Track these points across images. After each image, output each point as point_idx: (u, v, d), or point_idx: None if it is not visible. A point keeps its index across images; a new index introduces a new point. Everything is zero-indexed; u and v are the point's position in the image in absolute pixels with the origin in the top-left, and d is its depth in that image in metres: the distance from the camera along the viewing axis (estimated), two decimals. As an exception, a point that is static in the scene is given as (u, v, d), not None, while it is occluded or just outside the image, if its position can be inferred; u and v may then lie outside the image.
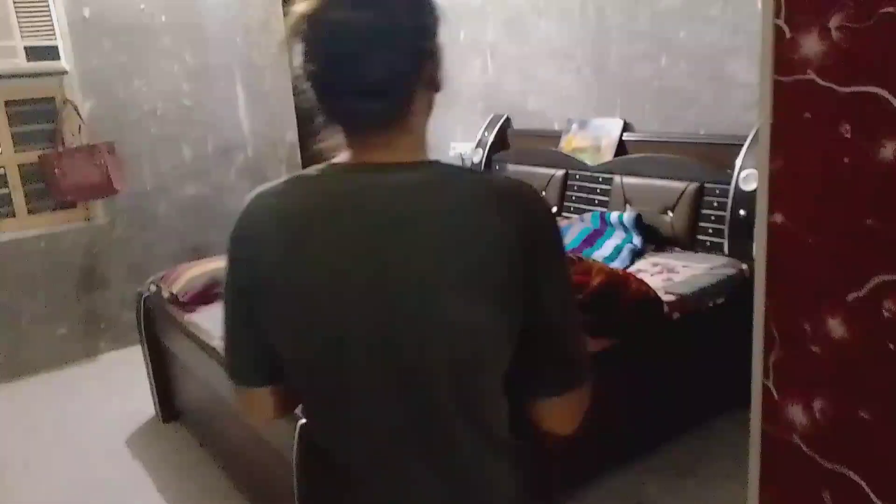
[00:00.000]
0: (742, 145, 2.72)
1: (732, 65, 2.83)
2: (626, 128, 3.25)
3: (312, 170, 0.83)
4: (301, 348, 0.81)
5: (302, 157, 4.55)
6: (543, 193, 3.48)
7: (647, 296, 2.32)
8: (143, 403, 3.10)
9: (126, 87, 3.81)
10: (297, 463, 1.67)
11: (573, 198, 3.37)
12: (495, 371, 0.81)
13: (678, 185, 2.93)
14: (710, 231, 2.85)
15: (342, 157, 0.82)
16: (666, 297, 2.40)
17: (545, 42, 3.62)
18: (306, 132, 4.69)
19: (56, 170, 3.55)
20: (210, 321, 2.57)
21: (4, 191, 3.59)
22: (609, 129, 3.29)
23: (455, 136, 4.19)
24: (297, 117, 4.47)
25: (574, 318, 0.84)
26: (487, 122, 3.98)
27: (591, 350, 0.90)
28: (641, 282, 2.37)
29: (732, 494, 2.08)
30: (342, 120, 0.81)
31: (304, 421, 1.44)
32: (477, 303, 0.74)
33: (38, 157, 3.59)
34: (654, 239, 3.00)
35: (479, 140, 3.96)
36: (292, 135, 4.48)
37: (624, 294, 2.27)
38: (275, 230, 0.80)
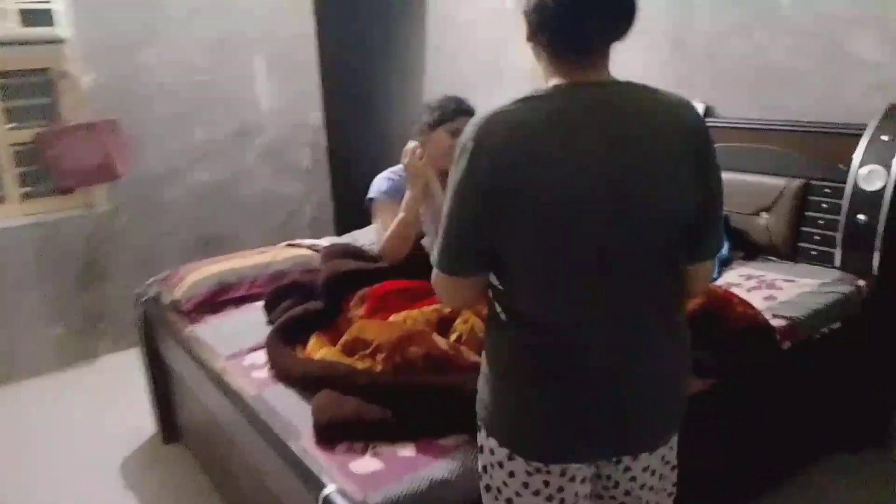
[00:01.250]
0: (860, 135, 2.24)
1: (854, 40, 2.33)
2: (708, 113, 2.76)
3: (538, 91, 0.99)
4: (554, 244, 0.98)
5: (328, 141, 4.11)
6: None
7: (755, 321, 1.86)
8: (144, 419, 2.71)
9: (132, 59, 3.39)
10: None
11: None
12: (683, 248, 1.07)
13: (776, 181, 2.44)
14: (818, 238, 2.36)
15: (555, 79, 1.01)
16: (774, 322, 1.94)
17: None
18: (334, 113, 4.26)
19: (53, 150, 3.16)
20: (216, 335, 2.16)
21: (-6, 173, 3.21)
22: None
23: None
24: (324, 97, 4.04)
25: (722, 197, 1.09)
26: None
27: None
28: (747, 304, 1.90)
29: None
30: (579, 40, 0.99)
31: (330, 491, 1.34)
32: (686, 192, 1.01)
33: (34, 135, 3.19)
34: (742, 245, 2.52)
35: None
36: (317, 116, 4.05)
37: (727, 320, 1.82)
38: (523, 141, 0.95)
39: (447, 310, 1.74)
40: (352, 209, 4.72)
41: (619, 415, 1.07)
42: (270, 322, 2.16)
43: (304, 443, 1.54)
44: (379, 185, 2.26)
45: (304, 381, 1.71)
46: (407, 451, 1.48)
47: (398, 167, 2.30)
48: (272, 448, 1.60)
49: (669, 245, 1.03)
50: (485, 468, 1.18)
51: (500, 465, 1.13)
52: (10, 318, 3.24)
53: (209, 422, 2.20)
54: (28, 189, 3.28)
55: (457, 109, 2.15)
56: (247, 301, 2.40)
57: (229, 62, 3.68)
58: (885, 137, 2.15)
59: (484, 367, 1.15)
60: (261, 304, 2.30)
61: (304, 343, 1.93)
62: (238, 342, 2.07)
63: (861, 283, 2.19)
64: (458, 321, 1.70)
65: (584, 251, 0.98)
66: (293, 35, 3.85)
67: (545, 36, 1.00)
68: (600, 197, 0.96)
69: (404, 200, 2.10)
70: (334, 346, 1.81)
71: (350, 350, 1.71)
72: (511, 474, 1.12)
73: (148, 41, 3.41)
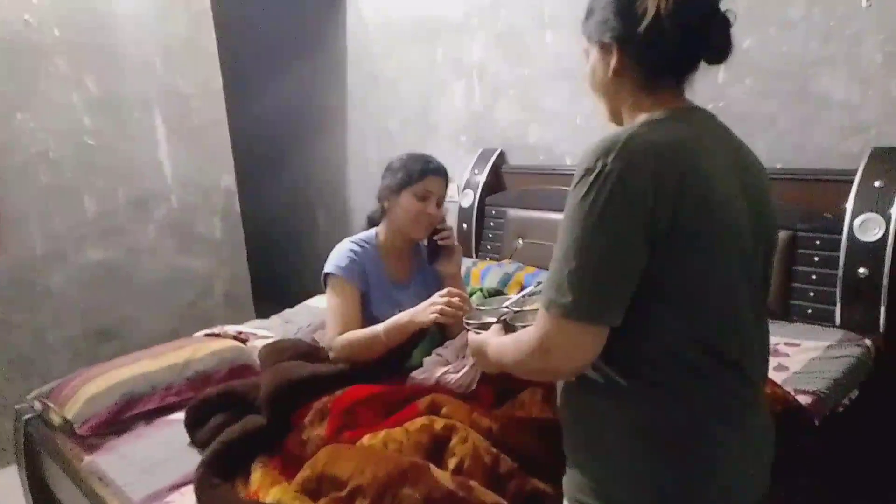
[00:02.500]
0: (841, 181, 2.08)
1: (823, 80, 2.19)
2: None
3: (653, 116, 0.95)
4: (721, 265, 0.93)
5: (243, 207, 3.67)
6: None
7: (788, 402, 1.60)
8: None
9: (6, 124, 2.87)
10: None
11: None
12: None
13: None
14: (812, 295, 2.16)
15: (646, 111, 0.98)
16: (800, 398, 1.69)
17: (552, 61, 2.93)
18: (247, 176, 3.84)
19: None
20: (124, 468, 1.67)
21: None
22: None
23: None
24: (236, 158, 3.61)
25: None
26: (476, 158, 3.24)
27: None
28: (773, 382, 1.64)
29: None
30: (688, 62, 0.99)
31: None
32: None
33: None
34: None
35: (467, 181, 3.22)
36: (229, 179, 3.60)
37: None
38: (677, 160, 0.89)
39: (439, 426, 1.36)
40: (273, 284, 4.29)
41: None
42: (196, 445, 1.71)
43: None
44: (339, 258, 1.88)
45: (255, 536, 1.29)
46: None
47: (364, 236, 1.95)
48: None
49: (768, 280, 1.07)
50: None
51: None
52: None
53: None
54: None
55: (423, 170, 1.84)
56: (161, 414, 1.93)
57: (124, 124, 3.20)
58: (877, 183, 2.00)
59: (611, 450, 0.98)
60: (179, 417, 1.84)
61: (246, 475, 1.49)
62: (155, 477, 1.60)
63: (867, 342, 1.99)
64: (454, 441, 1.32)
65: (738, 278, 0.96)
66: (197, 91, 3.43)
67: (650, 60, 0.97)
68: (745, 218, 0.95)
69: (394, 324, 1.73)
70: (289, 479, 1.39)
71: (314, 490, 1.30)
72: None
73: (24, 103, 2.90)
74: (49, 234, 3.02)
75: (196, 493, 1.46)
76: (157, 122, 3.32)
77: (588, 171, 0.87)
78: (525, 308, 1.31)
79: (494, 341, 1.11)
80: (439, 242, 1.92)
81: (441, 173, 1.87)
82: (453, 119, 3.42)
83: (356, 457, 1.30)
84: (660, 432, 0.95)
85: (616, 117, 1.04)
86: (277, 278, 4.22)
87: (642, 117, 0.96)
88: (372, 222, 2.02)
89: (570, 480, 1.04)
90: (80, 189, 3.10)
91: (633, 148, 0.87)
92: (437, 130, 3.49)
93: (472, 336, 1.21)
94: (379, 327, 1.75)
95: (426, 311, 1.67)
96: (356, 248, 1.90)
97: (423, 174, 1.82)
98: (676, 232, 0.87)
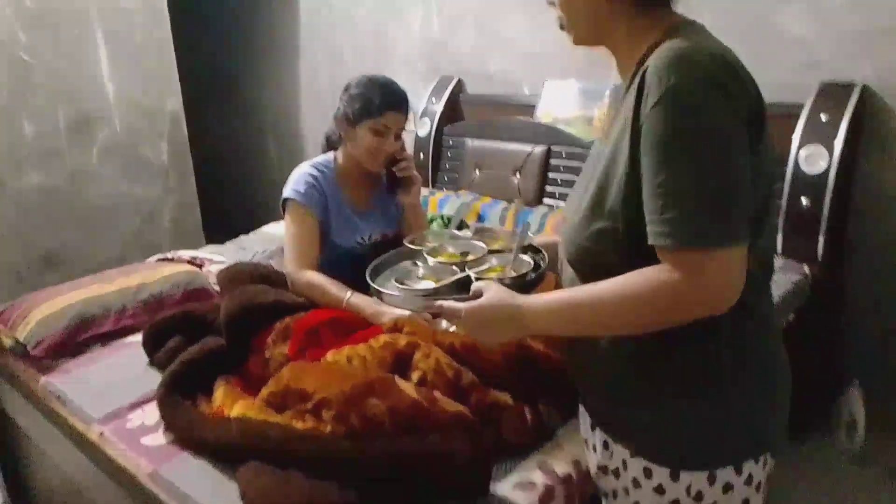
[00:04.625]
0: (795, 115, 2.14)
1: (780, 16, 2.23)
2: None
3: (685, 28, 0.91)
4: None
5: (191, 133, 3.55)
6: (518, 175, 2.78)
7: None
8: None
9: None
10: None
11: (559, 181, 2.69)
12: None
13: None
14: (756, 224, 2.25)
15: (653, 27, 0.94)
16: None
17: (511, -13, 2.88)
18: (194, 99, 3.70)
19: None
20: (82, 389, 1.66)
21: None
22: (604, 95, 2.63)
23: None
24: (182, 80, 3.47)
25: None
26: (433, 86, 3.20)
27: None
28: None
29: None
30: None
31: None
32: None
33: None
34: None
35: (424, 109, 3.18)
36: (175, 102, 3.47)
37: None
38: (739, 70, 0.86)
39: (402, 342, 1.39)
40: (223, 212, 4.20)
41: None
42: (155, 365, 1.71)
43: (233, 538, 1.15)
44: (297, 183, 1.83)
45: (222, 449, 1.31)
46: (379, 537, 1.14)
47: (323, 160, 1.90)
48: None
49: None
50: None
51: (758, 487, 0.97)
52: None
53: (79, 499, 1.72)
54: None
55: (382, 104, 1.76)
56: (116, 337, 1.91)
57: (62, 41, 3.03)
58: (824, 118, 2.07)
59: (706, 388, 0.93)
60: (135, 339, 1.83)
61: (208, 393, 1.50)
62: (114, 397, 1.60)
63: (806, 269, 2.10)
64: (417, 356, 1.35)
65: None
66: (140, 6, 3.25)
67: None
68: None
69: (359, 305, 1.66)
70: (253, 395, 1.41)
71: (280, 404, 1.32)
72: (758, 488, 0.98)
73: (-50, 12, 2.71)
74: (-18, 157, 2.88)
75: (159, 409, 1.47)
76: (98, 38, 3.15)
77: (685, 91, 0.81)
78: (485, 266, 1.21)
79: (549, 303, 0.94)
80: (398, 174, 1.89)
81: (401, 107, 1.79)
82: (410, 46, 3.35)
83: (321, 372, 1.32)
84: (761, 363, 0.94)
85: (592, 40, 0.99)
86: (227, 206, 4.14)
87: (653, 35, 0.92)
88: (330, 144, 1.97)
89: (653, 439, 0.97)
90: (16, 109, 2.94)
91: (720, 57, 0.84)
92: (393, 57, 3.42)
93: (476, 305, 0.98)
94: (345, 295, 1.68)
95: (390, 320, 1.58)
96: (315, 172, 1.87)
97: (381, 109, 1.75)
98: (754, 139, 0.85)
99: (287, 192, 1.84)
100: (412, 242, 1.36)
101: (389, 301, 1.17)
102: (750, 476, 0.95)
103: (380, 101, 1.75)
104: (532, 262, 1.20)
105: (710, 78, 0.82)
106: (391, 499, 1.16)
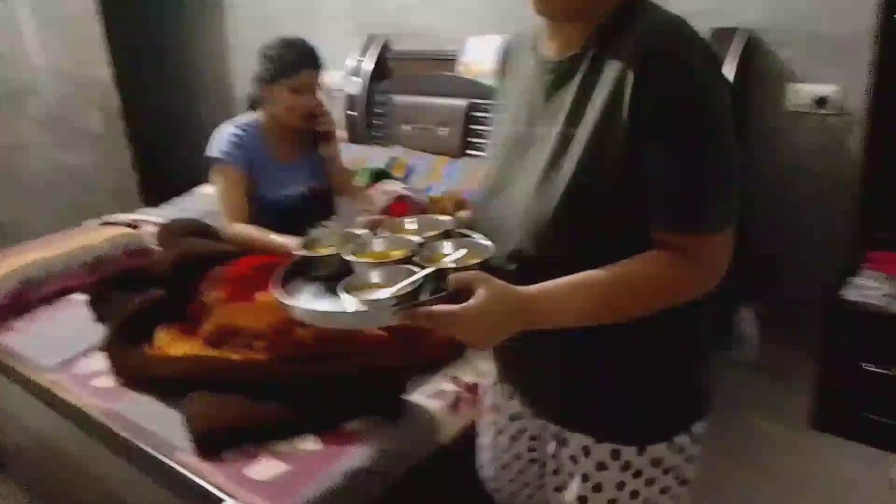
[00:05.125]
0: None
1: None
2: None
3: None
4: None
5: (123, 100, 3.58)
6: (443, 130, 2.92)
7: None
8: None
9: None
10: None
11: (480, 132, 2.85)
12: None
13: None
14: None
15: None
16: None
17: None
18: (124, 68, 3.71)
19: None
20: (31, 344, 1.78)
21: None
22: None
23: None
24: (111, 49, 3.48)
25: None
26: (362, 46, 3.29)
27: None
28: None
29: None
30: None
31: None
32: None
33: None
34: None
35: (354, 68, 3.28)
36: (104, 72, 3.48)
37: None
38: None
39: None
40: (162, 176, 4.23)
41: None
42: (100, 320, 1.83)
43: (181, 456, 1.31)
44: (222, 141, 1.95)
45: (167, 383, 1.46)
46: (310, 444, 1.31)
47: (246, 119, 2.02)
48: (141, 468, 1.36)
49: None
50: (681, 479, 0.99)
51: (699, 441, 1.00)
52: None
53: (43, 447, 1.85)
54: None
55: (298, 62, 1.88)
56: (63, 293, 2.02)
57: (-18, 11, 3.02)
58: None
59: (661, 357, 0.94)
60: (80, 297, 1.94)
61: (150, 341, 1.64)
62: (64, 348, 1.73)
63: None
64: (339, 291, 1.52)
65: None
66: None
67: None
68: None
69: (278, 240, 1.77)
70: (193, 338, 1.56)
71: (217, 341, 1.47)
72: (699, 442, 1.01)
73: None
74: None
75: (108, 355, 1.60)
76: (21, 9, 3.13)
77: (702, 77, 0.80)
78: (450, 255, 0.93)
79: (555, 291, 0.83)
80: (317, 129, 2.02)
81: (315, 64, 1.91)
82: (337, 4, 3.42)
83: (252, 310, 1.48)
84: (705, 328, 0.98)
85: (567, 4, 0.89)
86: (164, 171, 4.17)
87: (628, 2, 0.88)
88: (253, 104, 2.08)
89: (619, 420, 0.96)
90: (-58, 82, 2.95)
91: (702, 40, 0.83)
92: (321, 15, 3.49)
93: (475, 306, 0.78)
94: (274, 239, 1.79)
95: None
96: (238, 131, 1.97)
97: (295, 67, 1.87)
98: None
99: (210, 150, 1.95)
100: (306, 248, 1.05)
101: (353, 321, 0.88)
102: (697, 435, 0.98)
103: (294, 60, 1.87)
104: (487, 244, 0.93)
105: (715, 62, 0.84)
106: (319, 415, 1.33)
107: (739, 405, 2.28)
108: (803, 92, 2.22)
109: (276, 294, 0.93)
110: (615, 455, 0.96)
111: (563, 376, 0.97)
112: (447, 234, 0.98)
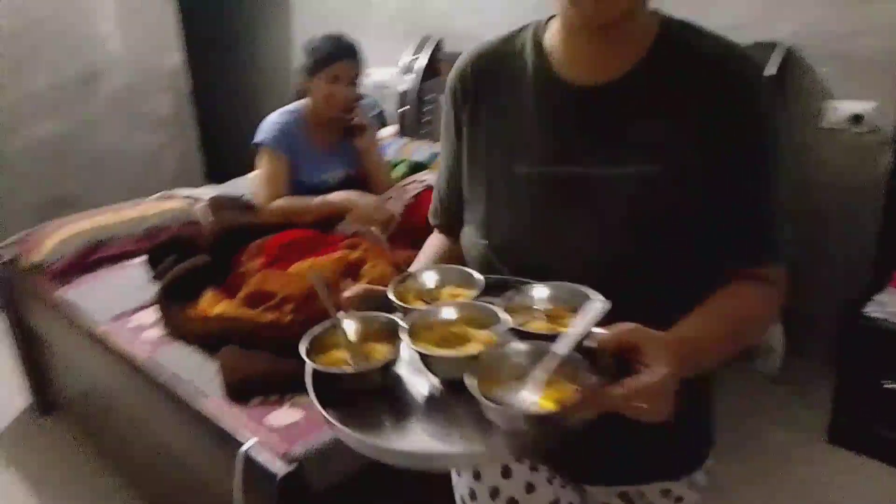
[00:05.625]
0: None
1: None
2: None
3: None
4: None
5: (196, 86, 3.81)
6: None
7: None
8: (15, 391, 2.48)
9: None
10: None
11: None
12: None
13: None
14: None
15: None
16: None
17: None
18: (196, 54, 3.95)
19: None
20: (92, 298, 1.97)
21: None
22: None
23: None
24: (184, 37, 3.71)
25: None
26: (416, 45, 3.43)
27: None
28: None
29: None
30: None
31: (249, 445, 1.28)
32: None
33: None
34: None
35: (407, 65, 3.42)
36: (175, 58, 3.73)
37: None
38: None
39: (354, 256, 1.69)
40: (225, 158, 4.47)
41: None
42: (155, 279, 2.01)
43: (212, 402, 1.46)
44: (268, 128, 2.12)
45: (204, 338, 1.61)
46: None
47: (292, 108, 2.18)
48: (176, 411, 1.51)
49: None
50: None
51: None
52: None
53: (93, 390, 2.04)
54: None
55: (333, 54, 2.03)
56: (124, 258, 2.21)
57: (70, -3, 3.28)
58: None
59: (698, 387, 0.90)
60: (138, 261, 2.13)
61: (196, 301, 1.80)
62: (120, 304, 1.91)
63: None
64: (366, 266, 1.65)
65: None
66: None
67: None
68: None
69: (323, 199, 2.01)
70: (232, 300, 1.71)
71: (252, 303, 1.62)
72: None
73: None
74: (5, 107, 3.16)
75: (158, 310, 1.77)
76: (100, -3, 3.39)
77: (769, 101, 0.79)
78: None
79: (694, 332, 0.73)
80: (349, 121, 2.15)
81: (350, 56, 2.05)
82: (394, 5, 3.58)
83: (285, 277, 1.62)
84: None
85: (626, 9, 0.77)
86: (226, 154, 4.41)
87: (655, 16, 0.82)
88: (300, 96, 2.22)
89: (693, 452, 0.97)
90: (31, 62, 3.21)
91: None
92: (379, 15, 3.65)
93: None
94: (313, 199, 2.00)
95: (374, 211, 1.97)
96: (282, 119, 2.14)
97: (330, 58, 2.02)
98: None
99: (259, 136, 2.12)
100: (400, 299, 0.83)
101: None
102: (708, 466, 0.99)
103: (331, 51, 2.02)
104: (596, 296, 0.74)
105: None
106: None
107: (758, 415, 2.31)
108: (840, 110, 2.24)
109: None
110: (665, 493, 0.95)
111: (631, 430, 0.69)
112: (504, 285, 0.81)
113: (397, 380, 0.74)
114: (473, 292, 0.80)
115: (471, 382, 0.63)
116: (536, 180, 0.85)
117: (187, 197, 2.53)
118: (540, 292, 0.78)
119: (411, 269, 0.94)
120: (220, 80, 4.44)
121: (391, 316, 0.79)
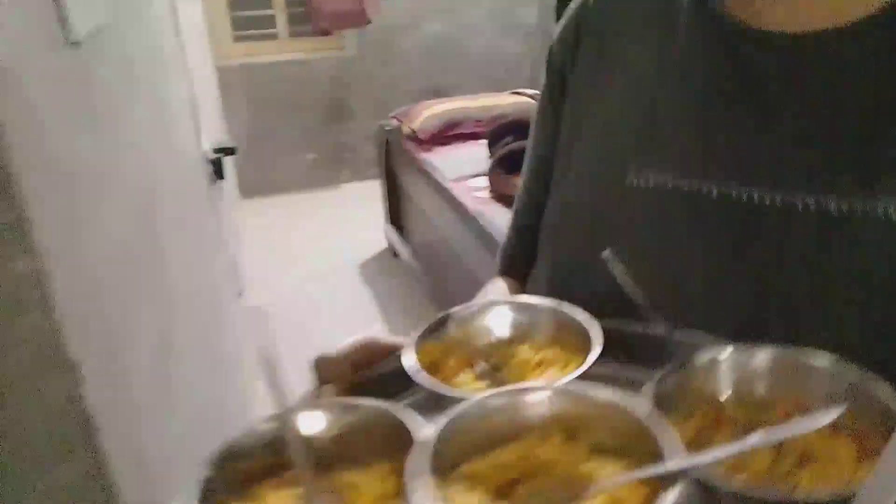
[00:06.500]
0: None
1: None
2: None
3: None
4: None
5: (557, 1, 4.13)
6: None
7: None
8: (377, 235, 3.19)
9: None
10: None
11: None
12: None
13: None
14: None
15: None
16: None
17: None
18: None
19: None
20: (444, 162, 2.47)
21: (269, 12, 3.70)
22: None
23: None
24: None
25: None
26: None
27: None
28: None
29: None
30: None
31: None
32: None
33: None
34: None
35: None
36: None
37: None
38: None
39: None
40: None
41: None
42: (491, 156, 2.42)
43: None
44: None
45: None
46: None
47: None
48: (489, 253, 1.89)
49: None
50: None
51: None
52: (271, 140, 3.84)
53: (434, 236, 2.57)
54: (294, 28, 3.76)
55: None
56: (471, 138, 2.68)
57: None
58: None
59: None
60: (483, 141, 2.56)
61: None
62: (463, 169, 2.37)
63: None
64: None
65: None
66: None
67: None
68: None
69: None
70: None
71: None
72: None
73: None
74: (404, 7, 3.85)
75: (489, 177, 2.17)
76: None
77: None
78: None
79: None
80: None
81: None
82: None
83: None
84: None
85: None
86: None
87: None
88: None
89: None
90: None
91: None
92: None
93: None
94: None
95: None
96: None
97: None
98: None
99: None
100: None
101: None
102: None
103: None
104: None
105: None
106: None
107: None
108: None
109: None
110: None
111: None
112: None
113: None
114: (587, 357, 0.43)
115: None
116: (660, 191, 0.52)
117: (534, 95, 2.90)
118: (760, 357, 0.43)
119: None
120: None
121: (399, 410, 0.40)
